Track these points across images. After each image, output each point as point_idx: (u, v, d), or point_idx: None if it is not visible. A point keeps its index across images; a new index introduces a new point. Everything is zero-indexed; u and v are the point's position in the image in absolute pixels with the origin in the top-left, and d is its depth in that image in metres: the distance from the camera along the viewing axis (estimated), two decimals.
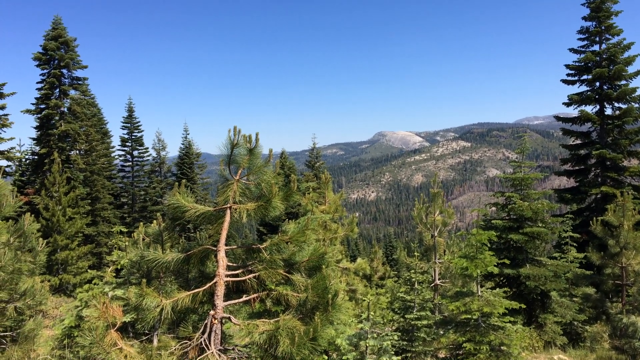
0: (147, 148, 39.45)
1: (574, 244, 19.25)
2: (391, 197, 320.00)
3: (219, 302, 5.82)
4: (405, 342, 10.29)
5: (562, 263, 16.78)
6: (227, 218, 6.31)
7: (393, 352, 7.68)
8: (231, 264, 6.39)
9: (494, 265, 10.96)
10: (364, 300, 7.98)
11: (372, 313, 6.98)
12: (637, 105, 23.22)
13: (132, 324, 8.66)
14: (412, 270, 11.34)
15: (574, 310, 15.90)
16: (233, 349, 5.88)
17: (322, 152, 36.38)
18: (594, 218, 17.46)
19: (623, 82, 23.55)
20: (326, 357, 7.46)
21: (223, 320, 5.91)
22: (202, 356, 5.42)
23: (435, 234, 15.16)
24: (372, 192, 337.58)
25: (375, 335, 7.00)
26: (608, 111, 23.99)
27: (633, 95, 23.08)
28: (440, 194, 16.22)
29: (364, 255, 51.26)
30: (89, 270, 24.50)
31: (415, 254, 12.10)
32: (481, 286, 11.50)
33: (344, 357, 6.97)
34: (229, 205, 6.31)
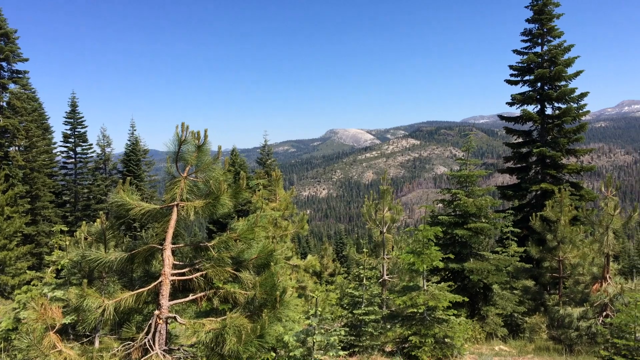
0: (91, 144, 38.24)
1: (515, 239, 19.99)
2: (342, 194, 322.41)
3: (165, 301, 5.73)
4: (353, 337, 10.43)
5: (503, 257, 17.40)
6: (174, 216, 6.21)
7: (340, 347, 7.78)
8: (178, 263, 6.29)
9: (440, 260, 11.27)
10: (313, 296, 8.05)
11: (320, 309, 7.05)
12: (575, 105, 24.26)
13: (73, 325, 8.40)
14: (361, 267, 11.50)
15: (514, 303, 16.53)
16: (179, 349, 5.80)
17: (273, 150, 36.23)
18: (534, 214, 18.21)
19: (563, 82, 24.55)
20: (274, 355, 7.48)
21: (168, 320, 5.82)
22: (146, 357, 5.33)
23: (384, 231, 15.41)
24: (324, 189, 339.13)
25: (322, 331, 7.07)
26: (548, 111, 24.97)
27: (572, 95, 24.10)
28: (389, 191, 16.49)
29: (314, 252, 51.46)
30: (28, 271, 23.51)
31: (364, 250, 12.27)
32: (427, 280, 11.79)
33: (291, 354, 7.01)
34: (175, 202, 6.22)
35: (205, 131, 6.23)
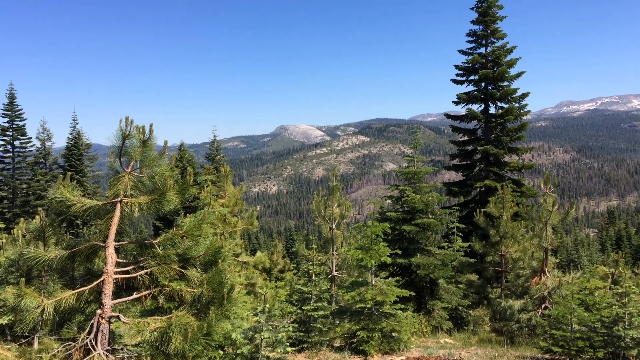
0: (31, 138, 36.58)
1: (460, 234, 20.54)
2: (292, 191, 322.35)
3: (107, 300, 5.58)
4: (302, 333, 10.47)
5: (449, 252, 17.85)
6: (117, 213, 6.05)
7: (288, 344, 7.79)
8: (122, 261, 6.13)
9: (388, 256, 11.44)
10: (263, 293, 8.02)
11: (268, 306, 7.03)
12: (517, 105, 25.09)
13: (10, 326, 8.04)
14: (310, 263, 11.54)
15: (459, 296, 17.01)
16: (122, 349, 5.66)
17: (223, 145, 35.75)
18: (478, 210, 18.77)
19: (506, 83, 25.33)
20: (221, 352, 7.41)
21: (111, 320, 5.66)
22: (88, 357, 5.17)
23: (333, 227, 15.52)
24: (274, 185, 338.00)
25: (270, 327, 7.06)
26: (492, 110, 25.70)
27: (514, 95, 24.92)
28: (338, 188, 16.60)
29: (264, 249, 51.21)
30: None
31: (313, 246, 12.33)
32: (376, 276, 11.96)
33: (238, 351, 6.96)
34: (119, 199, 6.05)
35: (151, 126, 6.10)
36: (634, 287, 10.56)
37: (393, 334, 10.51)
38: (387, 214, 17.56)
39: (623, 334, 9.61)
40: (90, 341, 5.37)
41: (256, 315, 7.03)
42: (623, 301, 10.04)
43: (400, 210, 17.96)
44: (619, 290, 10.35)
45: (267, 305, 7.03)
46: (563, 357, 10.41)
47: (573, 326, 10.36)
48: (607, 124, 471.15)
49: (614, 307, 10.20)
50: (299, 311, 10.81)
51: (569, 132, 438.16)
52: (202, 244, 6.32)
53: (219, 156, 32.88)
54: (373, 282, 11.16)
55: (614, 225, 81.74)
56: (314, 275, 11.13)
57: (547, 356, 10.80)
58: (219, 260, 6.09)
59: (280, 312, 13.36)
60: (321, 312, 10.61)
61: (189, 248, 6.25)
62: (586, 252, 61.25)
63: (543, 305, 14.09)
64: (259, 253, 17.30)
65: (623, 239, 69.65)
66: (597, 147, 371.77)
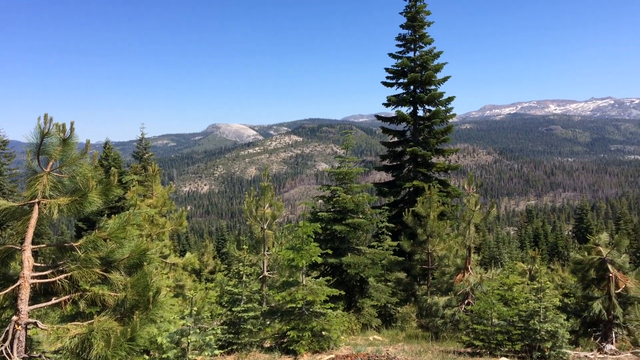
0: None
1: (390, 233, 21.06)
2: (224, 190, 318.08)
3: (24, 306, 5.30)
4: (231, 335, 10.36)
5: (379, 251, 18.26)
6: (35, 214, 5.75)
7: (217, 346, 7.70)
8: (40, 265, 5.84)
9: (319, 256, 11.55)
10: (191, 296, 7.88)
11: (196, 308, 6.92)
12: (443, 108, 26.01)
13: None
14: (241, 263, 11.45)
15: (388, 294, 17.44)
16: (40, 356, 5.39)
17: (152, 143, 34.70)
18: (407, 209, 19.31)
19: (433, 86, 26.20)
20: (147, 357, 7.20)
21: (29, 326, 5.38)
22: None
23: (265, 227, 15.46)
24: (205, 185, 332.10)
25: (198, 330, 6.95)
26: (420, 112, 26.52)
27: (440, 99, 25.82)
28: (270, 188, 16.54)
29: (194, 250, 50.24)
30: None
31: (244, 247, 12.23)
32: (307, 275, 12.04)
33: (164, 356, 6.80)
34: (37, 200, 5.76)
35: (72, 124, 5.84)
36: (548, 282, 11.24)
37: (323, 332, 10.63)
38: (318, 214, 17.72)
39: (538, 327, 10.21)
40: (6, 349, 5.08)
41: (183, 318, 6.90)
42: (539, 296, 10.67)
43: (332, 210, 18.17)
44: (535, 286, 10.98)
45: (195, 308, 6.92)
46: (484, 350, 10.93)
47: (493, 320, 10.90)
48: (526, 128, 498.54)
49: (530, 301, 10.82)
50: (228, 313, 10.70)
51: (492, 134, 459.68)
52: (126, 247, 6.12)
53: (147, 154, 31.88)
54: (304, 282, 11.23)
55: (532, 224, 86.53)
56: (244, 276, 11.05)
57: (469, 350, 11.28)
58: (145, 263, 5.92)
59: (210, 314, 13.15)
60: (251, 313, 10.56)
61: (113, 251, 6.04)
62: (507, 249, 64.48)
63: (466, 301, 14.70)
64: (188, 254, 16.95)
65: (540, 237, 73.88)
66: (517, 149, 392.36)
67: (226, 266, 36.05)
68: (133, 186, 15.27)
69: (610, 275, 11.98)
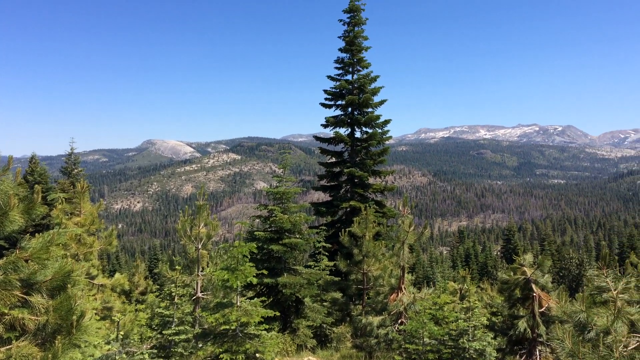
0: None
1: (326, 253, 21.12)
2: (159, 208, 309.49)
3: None
4: (161, 359, 10.03)
5: (315, 271, 18.26)
6: None
7: None
8: None
9: (254, 276, 11.41)
10: (121, 319, 7.57)
11: (122, 332, 6.64)
12: (380, 130, 26.57)
13: None
14: (174, 284, 11.14)
15: (324, 314, 17.43)
16: None
17: (82, 158, 33.49)
18: (343, 229, 19.46)
19: (370, 109, 26.72)
20: None
21: None
22: None
23: (200, 247, 15.12)
24: (138, 202, 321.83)
25: (124, 355, 6.67)
26: (358, 134, 26.96)
27: (377, 121, 26.37)
28: (206, 206, 16.24)
29: (125, 270, 48.41)
30: None
31: (177, 267, 11.92)
32: (242, 296, 11.86)
33: None
34: None
35: None
36: (477, 302, 11.64)
37: (257, 355, 10.47)
38: (255, 233, 17.55)
39: (467, 346, 10.52)
40: None
41: (109, 343, 6.60)
42: (468, 315, 11.02)
43: (269, 229, 18.05)
44: (465, 305, 11.34)
45: (122, 331, 6.65)
46: None
47: (425, 340, 11.12)
48: (458, 151, 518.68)
49: (460, 320, 11.14)
50: (159, 336, 10.35)
51: (427, 157, 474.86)
52: (50, 268, 5.83)
53: (76, 170, 30.58)
54: (238, 303, 11.05)
55: (463, 244, 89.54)
56: (177, 297, 10.75)
57: None
58: (69, 285, 5.65)
59: (140, 337, 12.68)
60: (183, 336, 10.26)
61: (35, 272, 5.72)
62: (440, 268, 66.27)
63: (399, 321, 14.92)
64: (117, 275, 16.32)
65: (471, 256, 76.51)
66: (451, 171, 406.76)
67: (158, 287, 34.90)
68: (60, 203, 14.58)
69: (534, 294, 12.54)
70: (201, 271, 15.01)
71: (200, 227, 15.22)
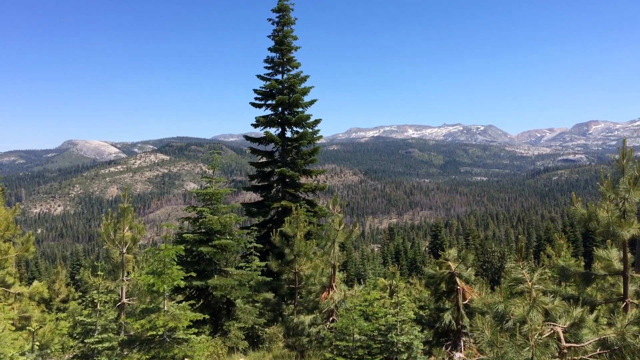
0: None
1: (258, 254, 20.97)
2: (82, 211, 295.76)
3: None
4: None
5: (246, 272, 18.10)
6: None
7: None
8: None
9: (183, 279, 11.16)
10: (38, 328, 7.14)
11: (38, 343, 6.27)
12: (311, 130, 26.67)
13: None
14: (96, 291, 10.68)
15: (255, 315, 17.31)
16: None
17: None
18: (275, 229, 19.39)
19: (300, 109, 26.76)
20: None
21: None
22: None
23: (124, 251, 14.57)
24: (59, 205, 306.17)
25: None
26: (288, 134, 26.90)
27: (308, 121, 26.45)
28: (130, 209, 15.68)
29: (45, 277, 45.98)
30: None
31: (100, 272, 11.43)
32: (172, 300, 11.54)
33: None
34: None
35: None
36: (405, 297, 11.95)
37: (186, 359, 10.23)
38: (184, 235, 17.17)
39: (395, 340, 10.77)
40: None
41: (23, 354, 6.22)
42: (396, 310, 11.28)
43: (198, 231, 17.71)
44: (394, 301, 11.60)
45: (40, 342, 6.28)
46: None
47: (355, 336, 11.28)
48: (388, 150, 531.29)
49: (388, 316, 11.39)
50: (81, 345, 9.88)
51: (358, 156, 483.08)
52: None
53: None
54: (166, 308, 10.75)
55: (393, 241, 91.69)
56: (99, 304, 10.31)
57: None
58: None
59: (62, 347, 12.05)
60: (107, 344, 9.85)
61: None
62: (371, 265, 67.59)
63: (331, 319, 15.07)
64: (36, 282, 15.40)
65: (401, 253, 78.50)
66: (381, 170, 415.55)
67: (81, 294, 33.36)
68: None
69: (458, 287, 13.03)
70: (126, 276, 14.47)
71: (125, 231, 14.68)
